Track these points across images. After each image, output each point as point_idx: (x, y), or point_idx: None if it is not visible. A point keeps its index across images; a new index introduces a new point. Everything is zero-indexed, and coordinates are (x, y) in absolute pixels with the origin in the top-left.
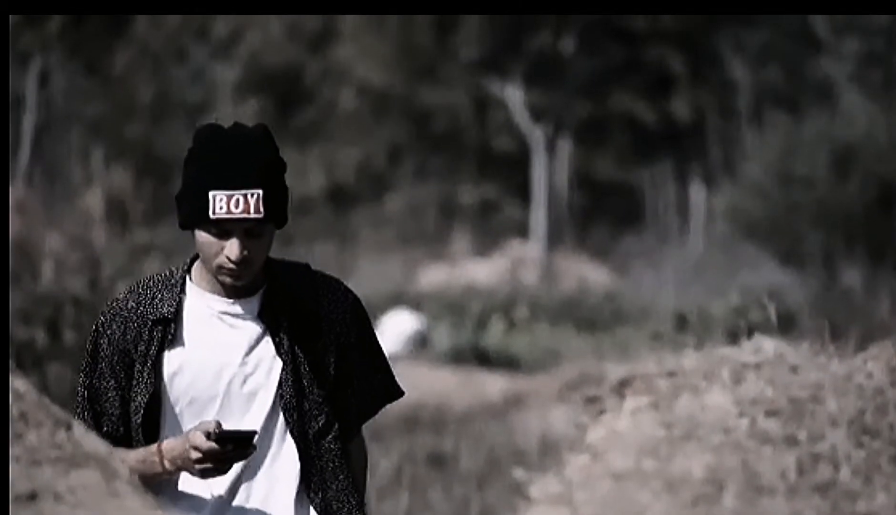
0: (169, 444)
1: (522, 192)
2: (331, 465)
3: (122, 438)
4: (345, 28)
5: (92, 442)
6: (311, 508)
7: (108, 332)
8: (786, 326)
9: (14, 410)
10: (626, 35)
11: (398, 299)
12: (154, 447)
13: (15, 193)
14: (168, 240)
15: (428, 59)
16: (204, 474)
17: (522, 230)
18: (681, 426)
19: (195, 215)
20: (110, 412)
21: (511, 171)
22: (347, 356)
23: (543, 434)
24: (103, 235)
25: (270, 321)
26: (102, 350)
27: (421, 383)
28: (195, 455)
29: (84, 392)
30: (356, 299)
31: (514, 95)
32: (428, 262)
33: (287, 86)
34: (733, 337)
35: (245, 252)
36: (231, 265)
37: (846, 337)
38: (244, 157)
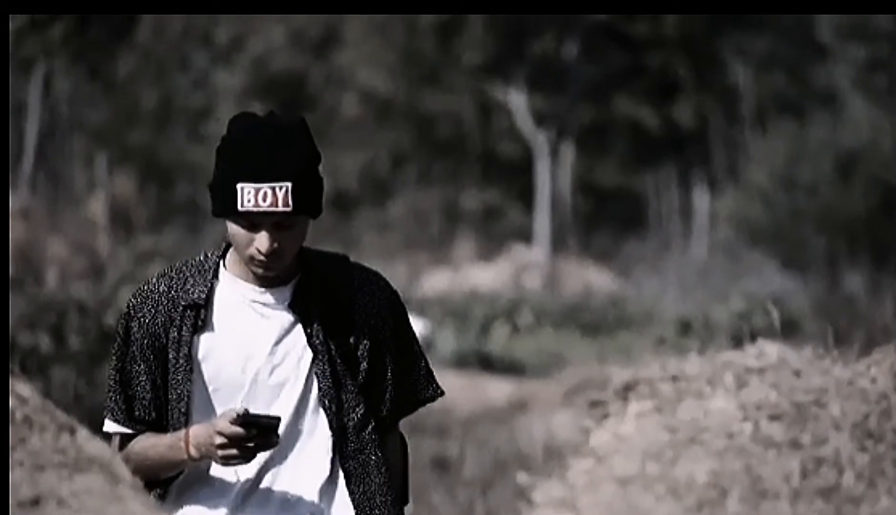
0: (195, 430)
1: (526, 197)
2: (373, 458)
3: (154, 422)
4: (347, 34)
5: (96, 447)
6: (338, 500)
7: (139, 315)
8: (789, 331)
9: (18, 414)
10: (629, 40)
11: None
12: (182, 432)
13: (19, 199)
14: (172, 245)
15: (431, 65)
16: (227, 461)
17: (526, 235)
18: (685, 430)
19: (225, 206)
20: (141, 396)
21: (514, 176)
22: (381, 350)
23: (547, 439)
24: (107, 240)
25: (302, 312)
26: (133, 334)
27: None
28: (219, 440)
29: (116, 375)
30: (394, 293)
31: (517, 101)
32: (431, 267)
33: (290, 92)
34: (737, 342)
35: (275, 245)
36: (261, 257)
37: (849, 342)
38: (275, 148)
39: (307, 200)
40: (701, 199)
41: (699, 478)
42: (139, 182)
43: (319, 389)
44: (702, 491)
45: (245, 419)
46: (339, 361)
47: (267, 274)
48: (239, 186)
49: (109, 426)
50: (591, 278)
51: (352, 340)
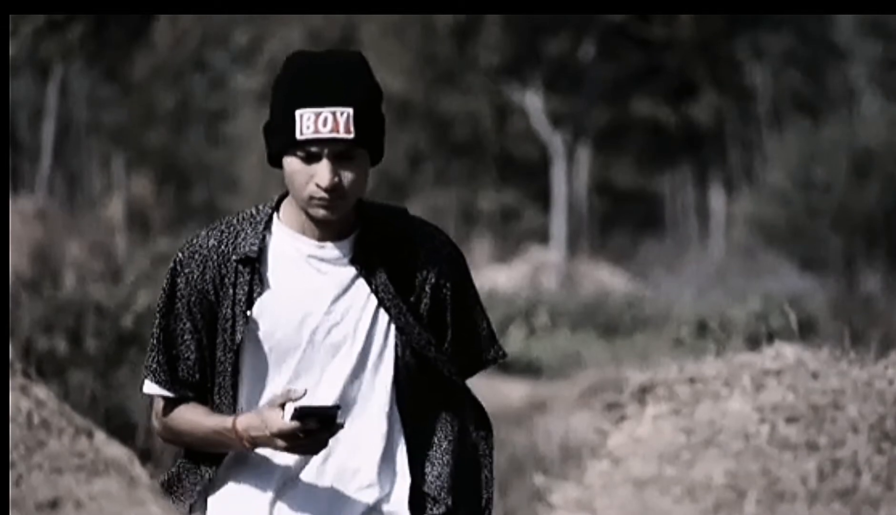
0: (244, 423)
1: (542, 198)
2: (437, 419)
3: (197, 384)
4: (364, 35)
5: (113, 450)
6: (399, 468)
7: (186, 271)
8: (806, 332)
9: (36, 418)
10: (646, 41)
11: None
12: (229, 423)
13: (36, 201)
14: None
15: (448, 67)
16: (295, 451)
17: (542, 236)
18: (702, 432)
19: (282, 139)
20: (186, 356)
21: (531, 177)
22: (443, 307)
23: (564, 441)
24: (125, 242)
25: (364, 267)
26: (179, 290)
27: None
28: (280, 443)
29: (160, 334)
30: (456, 249)
31: (533, 102)
32: None
33: None
34: (754, 343)
35: (336, 178)
36: (322, 193)
37: (866, 343)
38: (335, 75)
39: (370, 130)
40: (717, 199)
41: (716, 480)
42: (157, 184)
43: (396, 348)
44: (719, 493)
45: (301, 413)
46: (404, 317)
47: (329, 217)
48: (297, 112)
49: (150, 387)
50: (607, 279)
51: (413, 297)
